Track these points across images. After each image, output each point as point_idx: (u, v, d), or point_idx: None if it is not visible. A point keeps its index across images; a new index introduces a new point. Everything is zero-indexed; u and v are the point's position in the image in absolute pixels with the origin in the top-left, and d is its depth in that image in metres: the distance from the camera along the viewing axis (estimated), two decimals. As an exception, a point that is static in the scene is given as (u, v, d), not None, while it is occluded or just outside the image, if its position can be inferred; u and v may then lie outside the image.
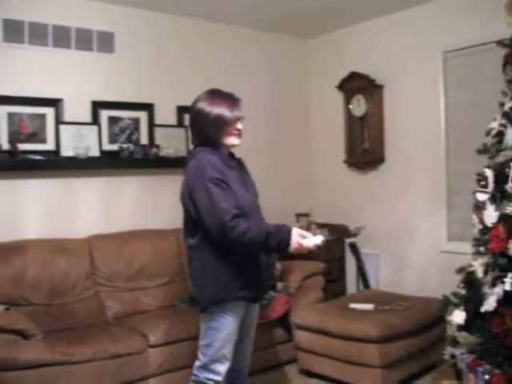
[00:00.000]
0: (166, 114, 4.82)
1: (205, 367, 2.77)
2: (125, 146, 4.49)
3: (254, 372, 4.05)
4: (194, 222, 2.71)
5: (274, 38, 5.55)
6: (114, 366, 3.46)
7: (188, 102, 4.82)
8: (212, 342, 2.74)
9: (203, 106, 2.74)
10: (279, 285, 4.39)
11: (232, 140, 2.79)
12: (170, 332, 3.71)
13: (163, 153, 4.63)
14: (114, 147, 4.49)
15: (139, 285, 4.27)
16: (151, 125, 4.73)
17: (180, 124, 4.89)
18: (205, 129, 2.74)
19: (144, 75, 4.70)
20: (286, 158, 5.63)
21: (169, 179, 4.76)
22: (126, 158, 4.47)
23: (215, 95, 2.79)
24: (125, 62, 4.60)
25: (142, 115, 4.71)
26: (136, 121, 4.67)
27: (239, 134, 2.82)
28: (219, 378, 2.76)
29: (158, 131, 4.74)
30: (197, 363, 2.82)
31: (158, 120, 4.76)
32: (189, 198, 2.70)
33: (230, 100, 2.79)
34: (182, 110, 4.89)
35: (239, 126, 2.80)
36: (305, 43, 5.81)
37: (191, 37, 4.99)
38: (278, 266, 4.52)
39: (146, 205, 4.70)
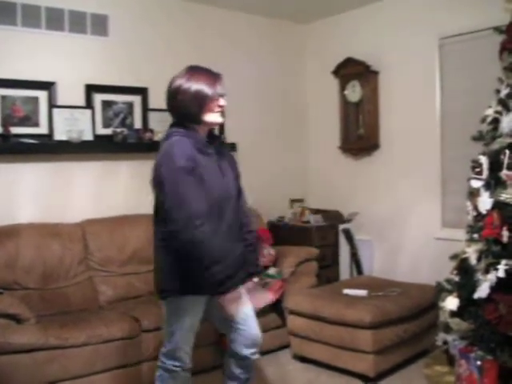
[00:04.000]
0: (160, 98, 4.73)
1: (170, 354, 2.78)
2: (119, 130, 4.46)
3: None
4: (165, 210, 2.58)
5: (270, 22, 5.51)
6: (108, 350, 3.46)
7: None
8: (175, 331, 2.73)
9: (181, 82, 2.62)
10: (273, 270, 4.39)
11: (214, 117, 2.67)
12: (162, 316, 3.70)
13: (157, 137, 4.60)
14: (108, 131, 4.47)
15: (132, 269, 4.26)
16: (145, 109, 4.70)
17: (174, 108, 4.86)
18: (183, 105, 2.61)
19: (138, 59, 4.66)
20: (282, 144, 5.62)
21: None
22: (120, 143, 4.45)
23: (194, 70, 2.68)
24: (119, 46, 4.56)
25: (136, 99, 4.67)
26: (130, 105, 4.64)
27: (222, 112, 2.70)
28: (184, 365, 2.79)
29: (152, 115, 4.71)
30: (163, 349, 2.82)
31: (152, 104, 4.73)
32: (158, 186, 2.60)
33: (211, 75, 2.68)
34: (176, 95, 4.86)
35: (222, 102, 2.68)
36: (301, 28, 5.77)
37: (186, 20, 4.95)
38: (272, 251, 4.52)
39: (140, 189, 4.65)
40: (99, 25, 4.45)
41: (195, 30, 5.00)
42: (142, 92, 4.67)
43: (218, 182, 2.62)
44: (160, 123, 4.70)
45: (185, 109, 2.62)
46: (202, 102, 2.60)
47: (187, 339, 2.78)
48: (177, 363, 2.78)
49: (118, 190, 4.56)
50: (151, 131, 4.58)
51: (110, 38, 4.51)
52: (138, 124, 4.65)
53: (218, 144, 2.79)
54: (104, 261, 4.18)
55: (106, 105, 4.51)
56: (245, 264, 2.68)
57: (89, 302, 3.98)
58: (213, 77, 2.67)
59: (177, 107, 2.65)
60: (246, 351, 2.82)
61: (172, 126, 2.72)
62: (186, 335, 2.77)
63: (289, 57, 5.71)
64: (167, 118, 4.75)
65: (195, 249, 2.46)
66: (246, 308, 2.76)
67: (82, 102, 4.39)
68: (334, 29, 5.51)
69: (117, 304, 4.01)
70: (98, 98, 4.47)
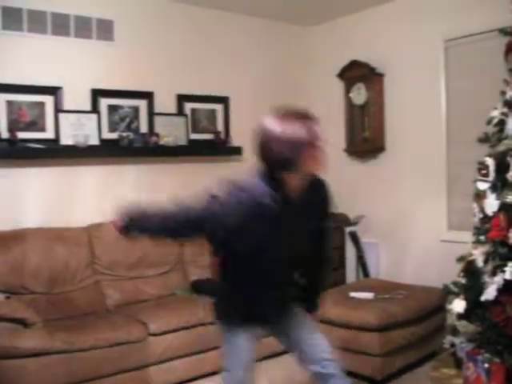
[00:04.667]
0: (165, 103, 4.81)
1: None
2: (124, 134, 4.48)
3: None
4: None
5: (274, 25, 5.52)
6: (115, 354, 3.48)
7: (187, 91, 4.91)
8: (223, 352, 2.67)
9: (276, 127, 2.37)
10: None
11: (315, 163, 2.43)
12: (170, 320, 3.73)
13: (163, 141, 4.62)
14: (114, 136, 4.48)
15: (139, 273, 4.28)
16: (151, 113, 4.71)
17: (180, 112, 4.88)
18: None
19: (144, 63, 4.68)
20: (286, 147, 5.60)
21: (169, 168, 4.76)
22: (126, 147, 4.46)
23: (287, 115, 2.45)
24: (124, 50, 4.58)
25: (142, 103, 4.69)
26: (136, 109, 4.65)
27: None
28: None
29: (157, 119, 4.72)
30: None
31: (157, 108, 4.74)
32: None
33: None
34: (181, 99, 4.88)
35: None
36: (305, 31, 5.78)
37: (190, 24, 4.96)
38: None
39: (146, 193, 4.67)
40: (105, 30, 4.47)
41: (199, 34, 5.01)
42: (147, 96, 4.69)
43: (265, 238, 2.44)
44: (166, 127, 4.73)
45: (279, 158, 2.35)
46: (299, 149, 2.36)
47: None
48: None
49: (125, 194, 4.56)
50: (157, 135, 4.59)
51: (116, 42, 4.54)
52: (143, 128, 4.67)
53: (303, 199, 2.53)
54: (111, 265, 4.19)
55: (112, 109, 4.53)
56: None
57: (96, 305, 3.99)
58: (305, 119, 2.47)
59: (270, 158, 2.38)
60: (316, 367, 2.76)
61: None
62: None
63: (293, 60, 5.71)
64: (173, 122, 4.83)
65: None
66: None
67: (87, 106, 4.41)
68: (339, 31, 5.51)
69: (124, 308, 4.02)
70: (104, 103, 4.48)
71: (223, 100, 5.13)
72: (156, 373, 3.66)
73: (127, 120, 4.60)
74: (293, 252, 2.55)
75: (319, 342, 2.77)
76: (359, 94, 5.21)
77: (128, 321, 3.69)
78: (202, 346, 3.84)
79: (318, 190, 2.57)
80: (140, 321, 3.69)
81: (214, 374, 3.89)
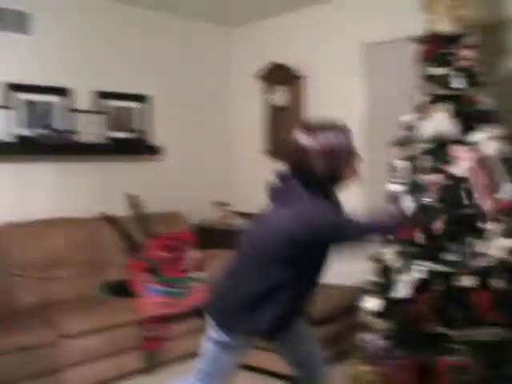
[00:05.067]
0: (84, 100, 4.69)
1: None
2: (40, 131, 4.34)
3: (170, 361, 4.08)
4: None
5: (197, 25, 5.49)
6: (27, 358, 3.38)
7: (108, 88, 4.82)
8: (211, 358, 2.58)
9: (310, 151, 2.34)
10: (198, 273, 4.37)
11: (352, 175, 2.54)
12: (84, 322, 3.65)
13: (80, 139, 4.51)
14: (29, 132, 4.33)
15: (53, 274, 4.14)
16: (68, 110, 4.58)
17: (99, 110, 4.77)
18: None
19: (62, 59, 4.55)
20: (206, 148, 5.59)
21: (85, 166, 4.66)
22: (43, 144, 4.33)
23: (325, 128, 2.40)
24: (42, 45, 4.43)
25: (61, 100, 4.55)
26: (52, 105, 4.51)
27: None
28: None
29: (75, 117, 4.60)
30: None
31: (75, 105, 4.62)
32: None
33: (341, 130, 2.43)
34: (101, 96, 4.77)
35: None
36: (228, 32, 5.79)
37: (110, 20, 4.86)
38: (199, 254, 4.51)
39: (63, 192, 4.56)
40: (21, 23, 4.30)
41: (119, 30, 4.91)
42: (66, 93, 4.56)
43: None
44: (84, 125, 4.62)
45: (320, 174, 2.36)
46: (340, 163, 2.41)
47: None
48: None
49: (41, 193, 4.43)
50: (74, 133, 4.48)
51: (33, 36, 4.37)
52: (60, 125, 4.53)
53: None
54: (24, 265, 4.04)
55: (29, 105, 4.37)
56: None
57: (7, 307, 3.83)
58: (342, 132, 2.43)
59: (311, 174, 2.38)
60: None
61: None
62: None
63: (214, 60, 5.70)
64: (92, 120, 4.73)
65: None
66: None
67: (1, 101, 4.25)
68: (261, 33, 5.55)
69: (36, 310, 3.88)
70: (20, 98, 4.32)
71: (145, 99, 5.07)
72: (70, 376, 3.58)
73: (44, 117, 4.46)
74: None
75: (317, 352, 2.81)
76: (279, 96, 5.28)
77: (41, 323, 3.58)
78: (117, 348, 3.78)
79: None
80: (54, 323, 3.59)
81: (129, 376, 3.85)
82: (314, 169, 2.33)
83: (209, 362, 2.55)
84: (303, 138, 2.35)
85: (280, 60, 5.20)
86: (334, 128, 2.39)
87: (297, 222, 2.31)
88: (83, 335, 3.62)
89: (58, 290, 4.12)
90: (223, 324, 2.48)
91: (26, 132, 4.32)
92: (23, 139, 4.29)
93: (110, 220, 4.49)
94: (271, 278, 2.39)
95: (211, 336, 2.52)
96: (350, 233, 2.39)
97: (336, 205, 2.53)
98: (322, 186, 2.40)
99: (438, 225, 3.09)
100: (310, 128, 2.39)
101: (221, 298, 2.55)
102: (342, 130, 2.41)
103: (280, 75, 5.23)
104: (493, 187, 3.06)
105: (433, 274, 3.11)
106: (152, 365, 3.95)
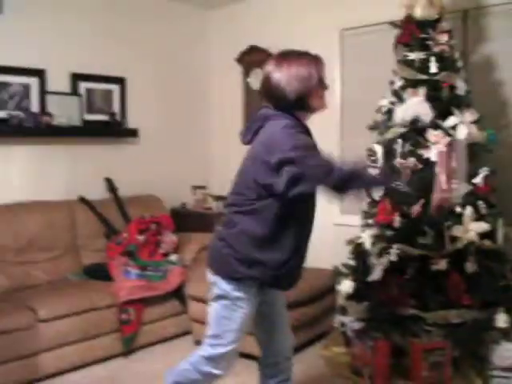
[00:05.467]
0: (59, 81, 4.62)
1: (210, 360, 2.51)
2: (14, 113, 4.26)
3: (146, 345, 4.09)
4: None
5: (174, 6, 5.42)
6: (2, 342, 3.34)
7: (82, 70, 4.76)
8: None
9: (281, 69, 2.38)
10: (174, 256, 4.37)
11: (321, 102, 2.47)
12: (60, 306, 3.63)
13: (56, 121, 4.45)
14: (3, 114, 4.26)
15: (29, 258, 4.09)
16: (43, 92, 4.51)
17: (74, 92, 4.71)
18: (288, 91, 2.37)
19: (36, 39, 4.45)
20: (184, 131, 5.56)
21: (61, 149, 4.61)
22: (16, 126, 4.25)
23: (292, 55, 2.45)
24: (15, 24, 4.33)
25: (33, 81, 4.47)
26: (26, 87, 4.43)
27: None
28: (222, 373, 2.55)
29: (50, 99, 4.53)
30: (201, 352, 2.54)
31: (50, 87, 4.55)
32: None
33: (312, 59, 2.46)
34: (76, 78, 4.71)
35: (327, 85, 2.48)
36: (205, 14, 5.73)
37: (86, 0, 4.78)
38: (174, 238, 4.50)
39: (38, 175, 4.51)
40: (-8, 2, 4.23)
41: (94, 10, 4.81)
42: (39, 74, 4.47)
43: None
44: (59, 107, 4.56)
45: (290, 96, 2.37)
46: (310, 88, 2.39)
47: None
48: (214, 370, 2.52)
49: (14, 176, 4.37)
50: (49, 115, 4.42)
51: (6, 15, 4.27)
52: (35, 107, 4.46)
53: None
54: (-1, 249, 4.01)
55: (1, 86, 4.30)
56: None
57: (-18, 292, 3.82)
58: (314, 61, 2.45)
59: (281, 97, 2.39)
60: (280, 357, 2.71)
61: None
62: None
63: (191, 42, 5.65)
64: (66, 102, 4.67)
65: None
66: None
67: (-28, 82, 4.17)
68: (239, 16, 5.51)
69: (12, 294, 3.83)
70: (-7, 79, 4.26)
71: (120, 81, 5.01)
72: (46, 360, 3.55)
73: (17, 98, 4.38)
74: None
75: (289, 334, 2.77)
76: (257, 80, 5.25)
77: (16, 307, 3.55)
78: (93, 332, 3.77)
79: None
80: (29, 307, 3.56)
81: (106, 359, 3.85)
82: (283, 94, 2.36)
83: (215, 323, 2.49)
84: (272, 65, 2.40)
85: (258, 43, 5.17)
86: (305, 56, 2.44)
87: (268, 143, 2.34)
88: (60, 319, 3.60)
89: (34, 274, 4.09)
90: (226, 273, 2.43)
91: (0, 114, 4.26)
92: (-3, 121, 4.22)
93: (86, 203, 4.46)
94: (262, 218, 2.38)
95: (214, 293, 2.48)
96: (329, 175, 2.23)
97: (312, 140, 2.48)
98: (293, 111, 2.39)
99: (416, 208, 3.13)
100: (281, 55, 2.45)
101: (221, 248, 2.49)
102: (313, 58, 2.45)
103: (258, 58, 5.19)
104: (460, 172, 3.06)
105: (408, 257, 3.15)
106: (129, 348, 3.95)
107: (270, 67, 2.41)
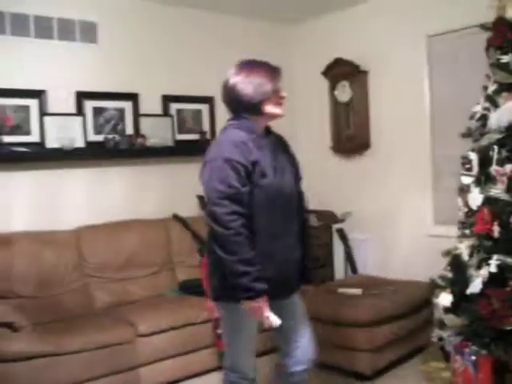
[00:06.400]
0: (151, 104, 4.80)
1: (232, 368, 2.66)
2: (110, 136, 4.46)
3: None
4: None
5: (255, 24, 5.50)
6: (104, 356, 3.47)
7: (173, 92, 4.90)
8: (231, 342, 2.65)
9: (239, 76, 2.59)
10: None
11: (275, 109, 2.62)
12: (159, 321, 3.72)
13: (149, 143, 4.61)
14: (100, 138, 4.46)
15: (128, 275, 4.26)
16: (136, 115, 4.70)
17: (165, 113, 4.87)
18: (242, 96, 2.56)
19: (128, 65, 4.67)
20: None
21: (155, 169, 4.76)
22: (112, 149, 4.45)
23: (252, 65, 2.68)
24: (108, 52, 4.57)
25: (127, 105, 4.68)
26: (121, 111, 4.64)
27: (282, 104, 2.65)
28: (249, 377, 2.67)
29: (143, 121, 4.71)
30: (225, 363, 2.71)
31: (143, 110, 4.74)
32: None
33: (269, 69, 2.68)
34: (167, 99, 4.88)
35: (283, 93, 2.65)
36: (288, 30, 5.78)
37: (175, 25, 4.95)
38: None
39: (133, 195, 4.68)
40: (88, 32, 4.45)
41: (183, 34, 5.00)
42: (132, 98, 4.68)
43: (275, 180, 2.54)
44: (152, 128, 4.72)
45: (244, 99, 2.55)
46: (264, 94, 2.55)
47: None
48: (237, 379, 2.66)
49: (112, 196, 4.56)
50: (143, 137, 4.59)
51: (100, 44, 4.52)
52: (129, 130, 4.66)
53: (273, 138, 2.74)
54: (99, 267, 4.18)
55: (97, 111, 4.51)
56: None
57: (84, 308, 3.98)
58: (272, 70, 2.68)
59: (236, 99, 2.59)
60: (298, 367, 2.76)
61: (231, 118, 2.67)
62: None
63: (277, 59, 5.59)
64: (159, 123, 4.83)
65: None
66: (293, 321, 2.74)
67: (72, 109, 4.40)
68: (323, 29, 5.52)
69: (112, 309, 4.01)
70: (89, 105, 4.47)
71: (208, 100, 5.13)
72: (145, 374, 3.65)
73: (112, 122, 4.59)
74: (291, 187, 2.68)
75: (309, 339, 2.79)
76: (344, 92, 5.23)
77: (117, 322, 3.69)
78: (191, 346, 3.84)
79: (283, 140, 2.87)
80: (129, 322, 3.69)
81: (203, 373, 3.91)
82: (238, 97, 2.56)
83: (226, 335, 2.65)
84: (233, 71, 2.63)
85: (343, 55, 5.15)
86: (264, 65, 2.68)
87: (208, 158, 2.61)
88: (158, 333, 3.70)
89: (132, 290, 4.24)
90: (223, 296, 2.52)
91: (96, 138, 4.46)
92: (93, 144, 4.42)
93: (181, 221, 4.57)
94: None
95: (220, 317, 2.64)
96: (223, 234, 2.34)
97: (275, 148, 2.66)
98: (247, 115, 2.57)
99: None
100: (243, 63, 2.68)
101: (211, 275, 2.58)
102: (271, 68, 2.67)
103: (344, 71, 5.19)
104: None
105: (509, 268, 3.01)
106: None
107: (230, 72, 2.63)
